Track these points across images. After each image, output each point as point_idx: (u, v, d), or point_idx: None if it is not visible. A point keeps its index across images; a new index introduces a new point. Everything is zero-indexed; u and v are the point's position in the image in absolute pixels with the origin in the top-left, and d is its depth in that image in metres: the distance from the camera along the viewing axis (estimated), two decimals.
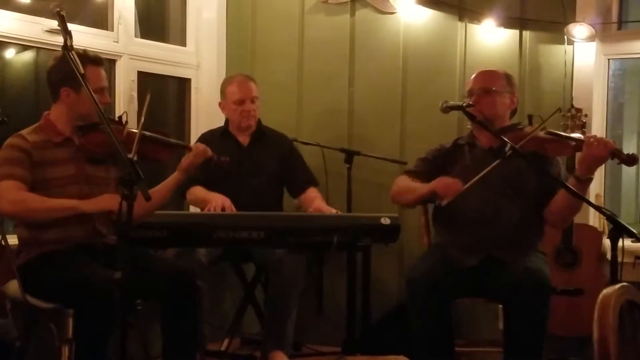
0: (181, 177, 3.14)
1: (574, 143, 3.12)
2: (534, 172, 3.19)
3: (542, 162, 3.17)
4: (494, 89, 3.29)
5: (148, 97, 2.78)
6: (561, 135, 3.18)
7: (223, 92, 3.91)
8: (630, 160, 2.99)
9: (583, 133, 3.44)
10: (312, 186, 3.91)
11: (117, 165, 3.08)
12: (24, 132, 2.96)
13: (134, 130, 2.82)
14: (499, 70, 3.40)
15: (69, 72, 2.62)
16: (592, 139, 3.00)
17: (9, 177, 2.84)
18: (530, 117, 3.20)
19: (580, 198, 2.87)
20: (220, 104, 3.96)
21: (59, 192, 2.91)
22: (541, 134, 3.09)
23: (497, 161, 2.97)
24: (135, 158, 2.45)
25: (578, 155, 3.17)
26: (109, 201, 2.86)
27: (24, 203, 2.85)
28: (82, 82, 2.54)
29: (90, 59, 2.91)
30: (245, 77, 3.92)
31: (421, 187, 3.24)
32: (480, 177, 3.01)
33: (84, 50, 2.90)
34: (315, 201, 3.79)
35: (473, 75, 3.39)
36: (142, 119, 2.72)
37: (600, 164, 3.13)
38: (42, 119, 3.02)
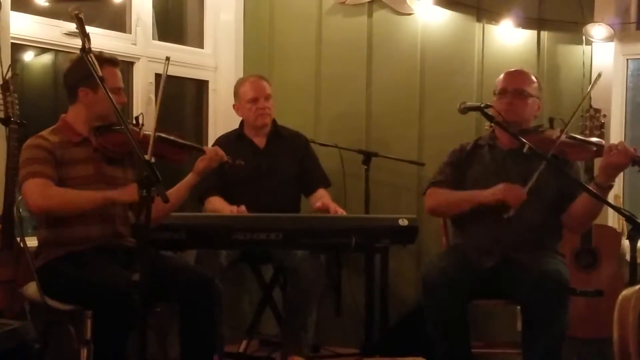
0: (196, 179, 3.15)
1: (595, 148, 3.09)
2: (554, 175, 3.17)
3: (562, 165, 3.16)
4: (528, 92, 3.27)
5: (158, 98, 2.79)
6: (583, 140, 3.16)
7: (236, 94, 3.92)
8: None
9: (602, 134, 3.42)
10: (323, 187, 3.91)
11: (134, 167, 3.10)
12: (43, 133, 2.98)
13: (149, 133, 2.84)
14: (530, 72, 3.38)
15: (86, 72, 2.64)
16: (612, 146, 2.97)
17: (34, 175, 2.83)
18: (551, 120, 3.17)
19: (601, 200, 2.85)
20: (234, 105, 3.95)
21: None
22: (562, 137, 3.07)
23: (543, 165, 2.97)
24: (152, 160, 2.46)
25: (598, 161, 3.14)
26: (135, 192, 2.72)
27: (56, 198, 2.84)
28: (100, 84, 2.56)
29: (106, 60, 2.94)
30: (258, 76, 3.94)
31: (479, 195, 3.18)
32: (534, 182, 3.00)
33: (100, 52, 2.92)
34: (321, 199, 3.78)
35: (505, 73, 3.35)
36: (156, 120, 2.72)
37: (621, 171, 3.11)
38: (60, 121, 3.04)
